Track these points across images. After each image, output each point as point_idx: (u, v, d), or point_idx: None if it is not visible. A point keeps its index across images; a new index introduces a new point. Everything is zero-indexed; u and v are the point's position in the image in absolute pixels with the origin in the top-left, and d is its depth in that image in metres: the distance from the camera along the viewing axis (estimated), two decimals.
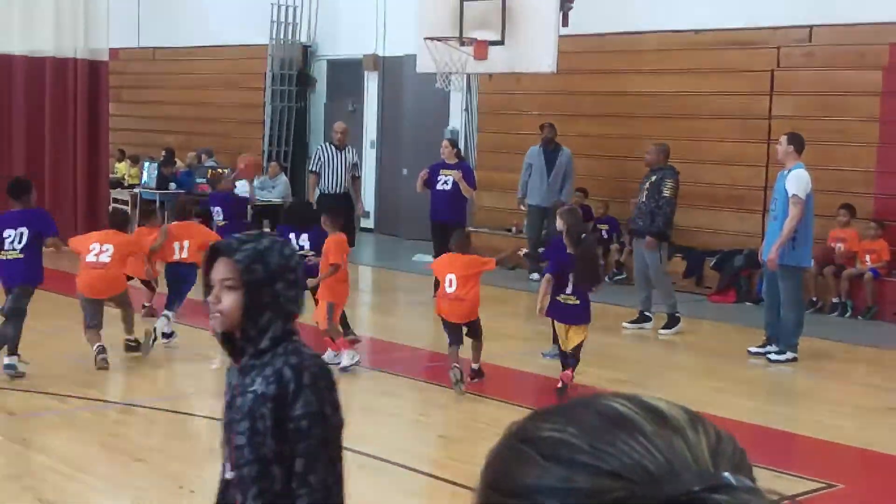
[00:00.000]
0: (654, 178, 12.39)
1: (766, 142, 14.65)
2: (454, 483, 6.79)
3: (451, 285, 9.45)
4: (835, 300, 13.66)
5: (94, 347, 9.82)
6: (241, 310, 3.22)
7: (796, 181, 10.64)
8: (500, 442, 1.01)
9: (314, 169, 15.09)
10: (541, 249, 10.93)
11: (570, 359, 9.35)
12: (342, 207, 14.41)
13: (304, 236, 10.54)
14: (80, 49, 17.73)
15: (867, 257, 13.57)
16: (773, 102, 15.00)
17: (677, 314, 12.28)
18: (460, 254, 9.69)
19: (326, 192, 14.72)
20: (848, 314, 13.53)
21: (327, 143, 15.42)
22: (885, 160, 13.93)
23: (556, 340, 10.25)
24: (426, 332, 12.08)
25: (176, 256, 11.01)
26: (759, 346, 11.15)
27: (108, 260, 10.00)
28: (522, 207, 15.83)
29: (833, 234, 13.83)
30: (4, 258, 9.62)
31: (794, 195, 10.60)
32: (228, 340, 3.34)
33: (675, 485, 0.91)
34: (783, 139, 11.00)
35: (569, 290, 9.27)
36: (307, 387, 3.18)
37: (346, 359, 9.90)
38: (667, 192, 12.23)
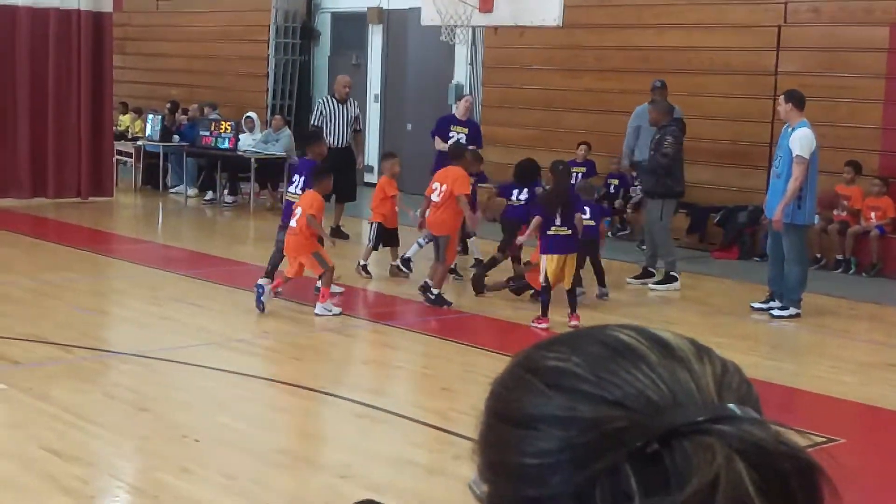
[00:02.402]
0: (657, 136, 12.32)
1: (772, 98, 14.56)
2: (458, 434, 6.82)
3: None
4: (839, 257, 13.65)
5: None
6: None
7: (800, 141, 10.57)
8: (505, 371, 1.00)
9: (316, 123, 15.06)
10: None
11: (571, 298, 10.11)
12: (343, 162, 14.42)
13: (525, 191, 11.63)
14: (84, 1, 17.63)
15: (872, 214, 13.55)
16: (780, 58, 14.93)
17: (674, 273, 12.25)
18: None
19: (329, 146, 14.72)
20: (852, 271, 13.52)
21: (329, 97, 15.36)
22: (892, 117, 13.87)
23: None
24: None
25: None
26: (763, 302, 11.16)
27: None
28: (634, 174, 14.93)
29: (838, 190, 13.79)
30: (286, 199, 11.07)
31: (797, 155, 10.54)
32: None
33: (677, 415, 0.90)
34: (781, 98, 10.94)
35: (558, 222, 9.95)
36: None
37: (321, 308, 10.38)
38: (667, 149, 12.15)
